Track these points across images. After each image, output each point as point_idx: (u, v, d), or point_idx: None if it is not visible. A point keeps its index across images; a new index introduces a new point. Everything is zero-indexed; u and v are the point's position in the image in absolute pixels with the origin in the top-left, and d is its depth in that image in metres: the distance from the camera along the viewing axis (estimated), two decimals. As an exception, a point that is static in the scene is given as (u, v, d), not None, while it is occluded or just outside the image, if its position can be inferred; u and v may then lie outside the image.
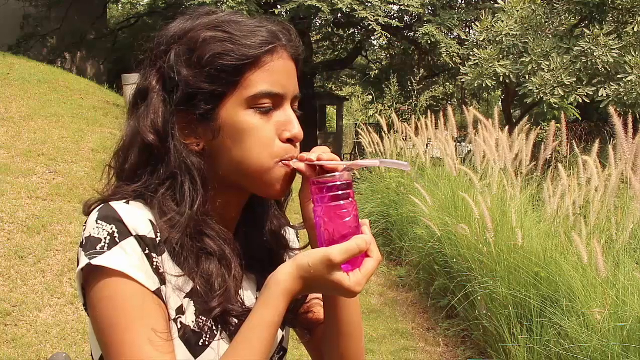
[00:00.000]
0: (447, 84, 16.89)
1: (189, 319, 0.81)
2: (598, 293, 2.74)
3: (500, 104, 10.67)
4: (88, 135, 6.66)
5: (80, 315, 3.53)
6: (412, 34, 13.83)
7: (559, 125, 4.38)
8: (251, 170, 0.82)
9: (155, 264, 0.78)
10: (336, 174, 0.79)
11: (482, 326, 3.43)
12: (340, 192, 0.78)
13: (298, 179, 0.86)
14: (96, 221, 0.77)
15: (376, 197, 5.99)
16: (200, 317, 0.82)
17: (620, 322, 2.58)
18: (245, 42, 0.80)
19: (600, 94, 7.00)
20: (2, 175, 5.02)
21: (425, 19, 12.80)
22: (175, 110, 0.81)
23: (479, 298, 3.47)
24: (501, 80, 7.63)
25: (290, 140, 0.83)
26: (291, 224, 1.02)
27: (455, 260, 3.90)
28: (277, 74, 0.82)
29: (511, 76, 7.47)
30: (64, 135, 6.42)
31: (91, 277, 0.76)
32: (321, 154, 0.82)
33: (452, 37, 13.17)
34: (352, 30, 16.41)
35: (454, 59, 12.61)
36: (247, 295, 0.90)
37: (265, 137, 0.81)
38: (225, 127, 0.81)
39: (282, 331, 0.95)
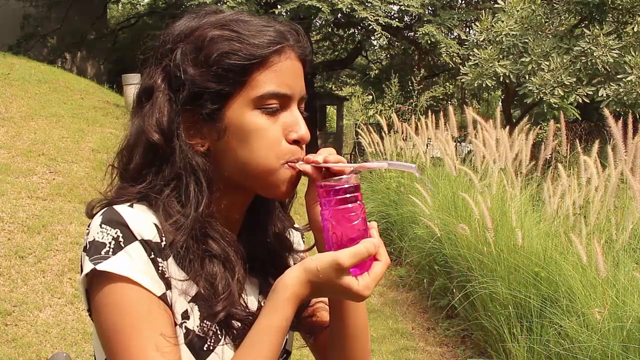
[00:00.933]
0: (447, 84, 16.88)
1: (194, 323, 0.80)
2: (598, 293, 2.75)
3: (500, 104, 10.67)
4: (88, 135, 6.66)
5: (81, 315, 3.53)
6: (412, 34, 13.83)
7: (558, 125, 4.38)
8: (257, 171, 0.81)
9: (160, 268, 0.77)
10: (343, 176, 0.78)
11: (482, 326, 3.44)
12: (347, 195, 0.76)
13: (303, 180, 0.86)
14: (100, 225, 0.76)
15: (376, 197, 6.00)
16: (205, 321, 0.81)
17: (620, 322, 2.59)
18: (253, 42, 0.79)
19: (600, 94, 7.01)
20: (2, 175, 5.03)
21: (425, 19, 12.80)
22: (181, 110, 0.80)
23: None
24: (501, 80, 7.63)
25: (296, 142, 0.82)
26: (295, 225, 1.00)
27: (455, 260, 3.90)
28: (285, 74, 0.81)
29: (511, 76, 7.48)
30: (64, 135, 6.42)
31: (96, 282, 0.75)
32: (327, 155, 0.81)
33: (452, 37, 13.18)
34: (352, 30, 16.42)
35: (454, 59, 12.62)
36: (250, 299, 0.89)
37: (272, 138, 0.80)
38: (231, 127, 0.80)
39: (286, 334, 0.94)
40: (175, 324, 0.78)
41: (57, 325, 3.41)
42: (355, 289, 0.74)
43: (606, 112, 3.28)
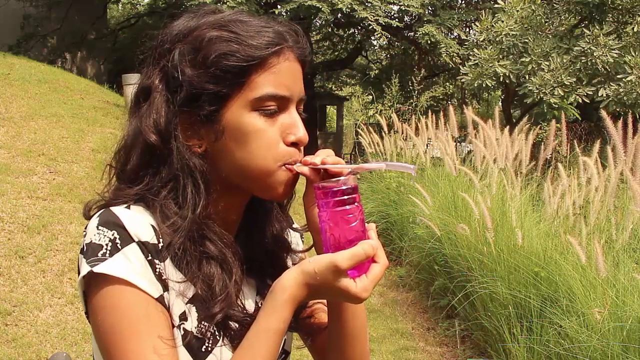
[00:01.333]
0: (447, 84, 16.89)
1: (192, 324, 0.80)
2: (598, 293, 2.74)
3: (500, 104, 10.67)
4: (88, 135, 6.66)
5: (81, 315, 3.53)
6: (412, 34, 13.85)
7: (558, 125, 4.38)
8: (254, 173, 0.80)
9: (157, 270, 0.76)
10: (341, 178, 0.77)
11: (482, 326, 3.44)
12: (345, 197, 0.76)
13: (301, 180, 0.85)
14: (97, 227, 0.76)
15: (376, 197, 6.00)
16: (203, 322, 0.81)
17: (620, 322, 2.59)
18: (251, 43, 0.78)
19: (600, 94, 7.00)
20: (2, 175, 5.02)
21: (425, 19, 12.81)
22: (179, 111, 0.79)
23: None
24: (501, 80, 7.63)
25: (294, 144, 0.82)
26: (294, 225, 1.00)
27: (455, 260, 3.90)
28: (283, 76, 0.80)
29: (511, 76, 7.47)
30: (64, 135, 6.42)
31: (93, 284, 0.75)
32: (325, 157, 0.80)
33: (452, 37, 13.18)
34: (352, 30, 16.42)
35: (454, 59, 12.62)
36: (247, 300, 0.89)
37: (270, 139, 0.80)
38: (229, 129, 0.79)
39: (284, 336, 0.94)
40: (173, 326, 0.78)
41: (57, 325, 3.41)
42: (353, 291, 0.74)
43: (603, 113, 3.28)
